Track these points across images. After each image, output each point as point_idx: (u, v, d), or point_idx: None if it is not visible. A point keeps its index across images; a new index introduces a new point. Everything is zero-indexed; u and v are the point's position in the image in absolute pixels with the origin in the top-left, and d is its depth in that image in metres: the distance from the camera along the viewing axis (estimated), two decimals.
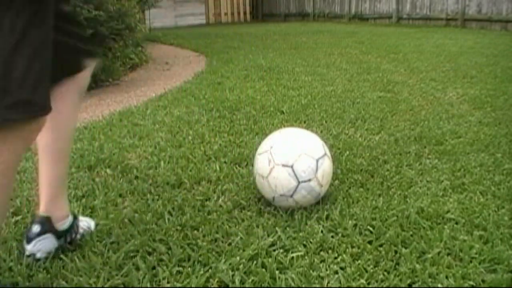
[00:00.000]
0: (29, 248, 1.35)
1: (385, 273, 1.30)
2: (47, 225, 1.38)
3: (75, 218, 1.47)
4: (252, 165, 1.84)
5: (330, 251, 1.41)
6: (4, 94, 1.00)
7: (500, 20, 8.84)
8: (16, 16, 1.00)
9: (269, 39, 8.15)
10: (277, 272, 1.30)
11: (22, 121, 1.04)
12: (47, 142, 1.36)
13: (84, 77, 1.40)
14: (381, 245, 1.43)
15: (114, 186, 1.93)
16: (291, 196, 1.63)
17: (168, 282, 1.28)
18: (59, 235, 1.41)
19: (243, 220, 1.61)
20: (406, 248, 1.41)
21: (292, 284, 1.26)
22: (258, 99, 3.46)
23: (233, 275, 1.29)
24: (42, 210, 1.38)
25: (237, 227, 1.56)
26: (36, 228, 1.37)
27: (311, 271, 1.30)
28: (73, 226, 1.45)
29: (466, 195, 1.78)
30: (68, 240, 1.44)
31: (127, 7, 4.99)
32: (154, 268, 1.34)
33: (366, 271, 1.30)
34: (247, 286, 1.26)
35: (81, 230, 1.49)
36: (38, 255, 1.36)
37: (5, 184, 1.06)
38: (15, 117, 1.02)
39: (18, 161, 1.11)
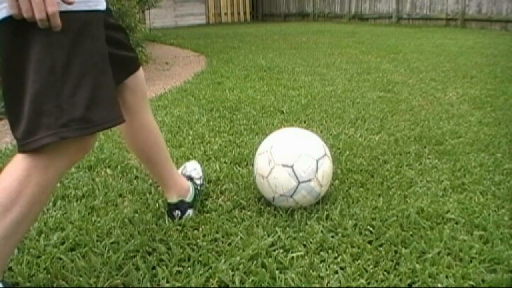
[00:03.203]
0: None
1: (385, 273, 1.30)
2: (184, 206, 1.62)
3: (191, 180, 1.71)
4: (252, 165, 1.84)
5: (330, 251, 1.41)
6: (60, 113, 1.00)
7: (500, 20, 8.84)
8: (63, 34, 0.99)
9: (269, 39, 8.15)
10: (277, 272, 1.30)
11: (75, 139, 1.04)
12: (146, 155, 1.52)
13: (139, 81, 1.42)
14: (381, 245, 1.43)
15: (114, 186, 1.93)
16: (291, 196, 1.63)
17: (168, 282, 1.28)
18: (193, 205, 1.66)
19: (243, 220, 1.61)
20: (406, 248, 1.41)
21: (292, 284, 1.26)
22: (258, 99, 3.46)
23: (233, 275, 1.29)
24: (172, 197, 1.61)
25: (237, 227, 1.56)
26: (177, 213, 1.61)
27: (311, 271, 1.30)
28: (195, 189, 1.68)
29: (466, 195, 1.78)
30: (199, 199, 1.69)
31: (127, 7, 5.00)
32: (154, 268, 1.34)
33: (366, 271, 1.30)
34: (247, 286, 1.26)
35: (198, 182, 1.74)
36: None
37: (43, 200, 1.08)
38: (70, 135, 1.02)
39: (59, 179, 1.12)
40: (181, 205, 1.63)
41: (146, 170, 1.62)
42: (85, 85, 1.03)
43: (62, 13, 0.97)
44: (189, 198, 1.66)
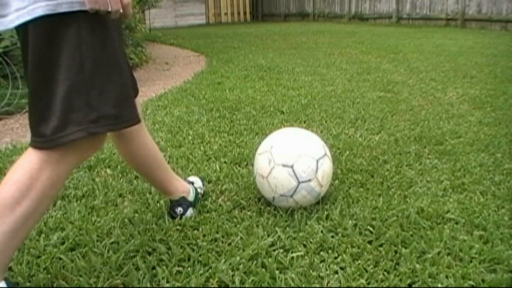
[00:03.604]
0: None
1: (385, 273, 1.30)
2: (186, 203, 1.64)
3: (191, 183, 1.73)
4: (252, 165, 1.84)
5: (330, 251, 1.41)
6: (89, 109, 1.04)
7: (500, 20, 8.84)
8: (93, 34, 1.04)
9: (269, 39, 8.15)
10: (277, 272, 1.30)
11: (89, 137, 1.07)
12: (145, 171, 1.51)
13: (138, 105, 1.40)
14: (381, 245, 1.43)
15: (114, 186, 1.93)
16: (291, 196, 1.63)
17: (168, 282, 1.28)
18: (195, 205, 1.67)
19: (243, 220, 1.61)
20: (406, 248, 1.41)
21: (292, 284, 1.26)
22: (258, 99, 3.46)
23: (233, 275, 1.29)
24: (173, 196, 1.62)
25: (237, 227, 1.56)
26: (180, 210, 1.62)
27: (311, 271, 1.30)
28: (196, 192, 1.71)
29: (466, 195, 1.78)
30: (199, 203, 1.71)
31: None
32: (154, 268, 1.34)
33: (366, 271, 1.30)
34: (247, 286, 1.26)
35: (199, 190, 1.75)
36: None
37: (52, 195, 1.11)
38: (99, 130, 1.07)
39: (69, 175, 1.15)
40: (183, 202, 1.64)
41: (147, 181, 1.62)
42: (112, 84, 1.08)
43: (94, 14, 1.02)
44: (190, 197, 1.67)
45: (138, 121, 1.17)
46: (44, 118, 1.05)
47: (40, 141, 1.06)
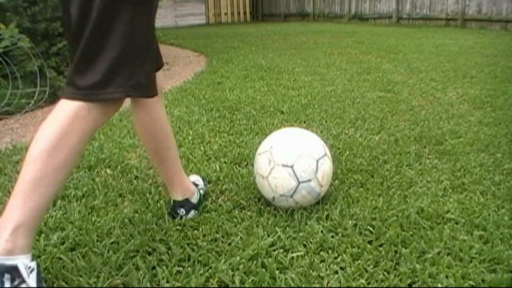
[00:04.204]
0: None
1: (385, 273, 1.30)
2: (189, 205, 1.64)
3: (196, 186, 1.73)
4: (252, 165, 1.84)
5: (330, 251, 1.41)
6: (131, 76, 1.18)
7: (500, 20, 8.84)
8: (144, 8, 1.19)
9: (269, 39, 8.15)
10: (277, 272, 1.30)
11: (115, 99, 1.20)
12: (154, 147, 1.55)
13: (159, 76, 1.50)
14: (381, 245, 1.43)
15: (114, 186, 1.93)
16: (291, 196, 1.63)
17: (168, 282, 1.28)
18: (197, 207, 1.67)
19: (243, 220, 1.61)
20: (406, 248, 1.41)
21: (292, 284, 1.26)
22: (258, 99, 3.46)
23: (233, 275, 1.29)
24: (178, 196, 1.63)
25: (237, 227, 1.56)
26: (182, 211, 1.63)
27: (311, 271, 1.30)
28: (200, 194, 1.72)
29: (466, 195, 1.78)
30: (202, 205, 1.71)
31: None
32: (154, 268, 1.34)
33: (366, 271, 1.30)
34: (247, 286, 1.26)
35: (202, 192, 1.75)
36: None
37: (80, 150, 1.20)
38: (134, 94, 1.21)
39: (95, 132, 1.26)
40: (186, 204, 1.64)
41: (154, 167, 1.63)
42: (150, 57, 1.24)
43: None
44: (194, 199, 1.67)
45: (157, 93, 1.31)
46: (88, 73, 1.16)
47: (79, 93, 1.16)
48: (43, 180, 1.13)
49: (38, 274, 1.12)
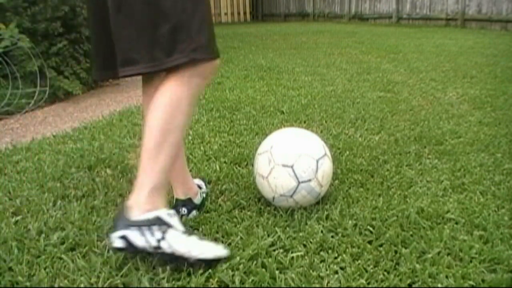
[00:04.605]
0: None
1: (385, 273, 1.30)
2: (191, 205, 1.64)
3: (200, 188, 1.74)
4: (252, 165, 1.84)
5: (330, 251, 1.41)
6: (191, 41, 1.30)
7: (500, 20, 8.84)
8: None
9: (269, 39, 8.15)
10: (277, 272, 1.30)
11: (202, 62, 1.34)
12: None
13: None
14: (381, 245, 1.43)
15: (114, 186, 1.93)
16: (291, 196, 1.63)
17: (168, 282, 1.28)
18: (199, 208, 1.67)
19: (243, 220, 1.61)
20: (406, 248, 1.41)
21: (292, 284, 1.26)
22: (258, 99, 3.46)
23: (233, 275, 1.29)
24: (181, 195, 1.63)
25: (237, 227, 1.56)
26: (184, 210, 1.62)
27: (311, 271, 1.30)
28: (203, 197, 1.72)
29: (466, 195, 1.78)
30: (204, 207, 1.71)
31: None
32: (154, 268, 1.34)
33: (366, 271, 1.30)
34: (247, 286, 1.26)
35: (204, 195, 1.74)
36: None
37: (189, 112, 1.36)
38: (198, 57, 1.32)
39: (198, 95, 1.44)
40: (189, 204, 1.64)
41: None
42: (207, 23, 1.35)
43: None
44: (197, 200, 1.67)
45: (219, 55, 1.42)
46: (151, 49, 1.29)
47: (151, 65, 1.31)
48: (163, 144, 1.31)
49: (179, 218, 1.36)
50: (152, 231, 1.27)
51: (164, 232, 1.28)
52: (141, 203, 1.30)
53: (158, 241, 1.27)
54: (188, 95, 1.35)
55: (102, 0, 1.31)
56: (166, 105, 1.31)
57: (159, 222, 1.29)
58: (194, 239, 1.34)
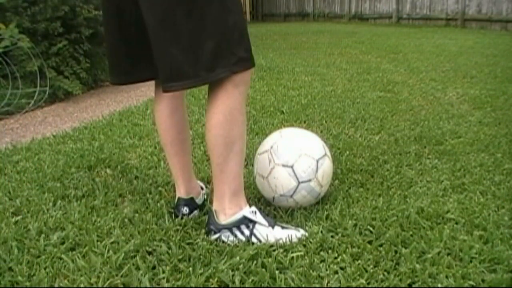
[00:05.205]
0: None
1: (385, 273, 1.30)
2: (193, 204, 1.66)
3: (202, 189, 1.77)
4: (252, 165, 1.84)
5: (330, 251, 1.41)
6: (232, 55, 1.37)
7: (500, 20, 8.84)
8: None
9: (269, 39, 8.15)
10: (277, 272, 1.30)
11: (242, 72, 1.40)
12: (171, 138, 1.62)
13: None
14: (381, 245, 1.43)
15: (114, 186, 1.93)
16: (291, 196, 1.63)
17: (168, 282, 1.28)
18: (200, 208, 1.69)
19: None
20: (406, 248, 1.41)
21: (292, 284, 1.26)
22: (258, 99, 3.46)
23: (233, 275, 1.29)
24: (184, 193, 1.65)
25: None
26: (185, 210, 1.64)
27: (311, 271, 1.30)
28: (204, 198, 1.75)
29: (466, 195, 1.78)
30: (204, 208, 1.72)
31: None
32: (154, 268, 1.34)
33: (366, 271, 1.30)
34: (247, 286, 1.26)
35: (205, 196, 1.77)
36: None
37: (244, 120, 1.44)
38: (238, 69, 1.38)
39: (246, 101, 1.50)
40: (191, 203, 1.64)
41: (167, 158, 1.64)
42: (245, 34, 1.41)
43: None
44: (198, 200, 1.68)
45: (254, 64, 1.47)
46: (196, 64, 1.34)
47: (194, 81, 1.36)
48: (230, 155, 1.41)
49: (261, 212, 1.49)
50: (241, 230, 1.45)
51: (251, 229, 1.45)
52: (225, 209, 1.46)
53: (248, 237, 1.45)
54: (239, 105, 1.41)
55: (129, 14, 1.40)
56: (222, 121, 1.39)
57: (245, 221, 1.46)
58: (278, 229, 1.47)
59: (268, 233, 1.45)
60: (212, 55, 1.34)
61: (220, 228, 1.46)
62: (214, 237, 1.47)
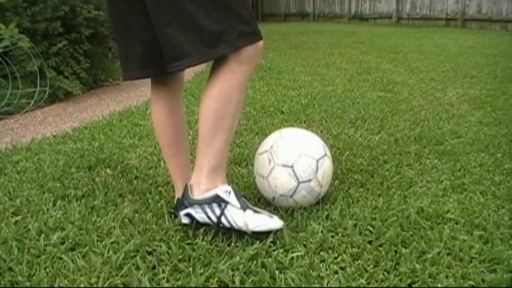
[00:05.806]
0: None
1: (385, 273, 1.30)
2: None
3: None
4: (252, 165, 1.84)
5: (330, 251, 1.41)
6: (233, 30, 1.35)
7: (500, 20, 8.84)
8: None
9: (269, 39, 8.15)
10: (277, 272, 1.30)
11: (246, 47, 1.37)
12: (168, 139, 1.62)
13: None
14: (381, 245, 1.43)
15: (114, 186, 1.93)
16: (291, 196, 1.63)
17: (168, 282, 1.28)
18: None
19: None
20: (406, 248, 1.41)
21: (292, 284, 1.26)
22: (258, 99, 3.46)
23: (233, 275, 1.29)
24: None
25: None
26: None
27: (311, 271, 1.30)
28: None
29: (466, 195, 1.78)
30: None
31: None
32: (154, 268, 1.34)
33: (366, 271, 1.30)
34: (247, 286, 1.26)
35: None
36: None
37: (240, 99, 1.43)
38: (241, 44, 1.36)
39: (248, 81, 1.47)
40: None
41: (165, 160, 1.64)
42: (246, 8, 1.39)
43: None
44: None
45: (262, 38, 1.43)
46: (197, 42, 1.33)
47: (197, 59, 1.35)
48: (217, 131, 1.40)
49: (236, 193, 1.45)
50: (212, 208, 1.43)
51: (223, 209, 1.43)
52: (201, 183, 1.45)
53: (218, 217, 1.43)
54: (238, 83, 1.40)
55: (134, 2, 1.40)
56: (217, 95, 1.38)
57: (218, 200, 1.43)
58: (249, 213, 1.44)
59: (239, 216, 1.43)
60: (213, 32, 1.33)
61: (192, 203, 1.45)
62: (183, 212, 1.47)
